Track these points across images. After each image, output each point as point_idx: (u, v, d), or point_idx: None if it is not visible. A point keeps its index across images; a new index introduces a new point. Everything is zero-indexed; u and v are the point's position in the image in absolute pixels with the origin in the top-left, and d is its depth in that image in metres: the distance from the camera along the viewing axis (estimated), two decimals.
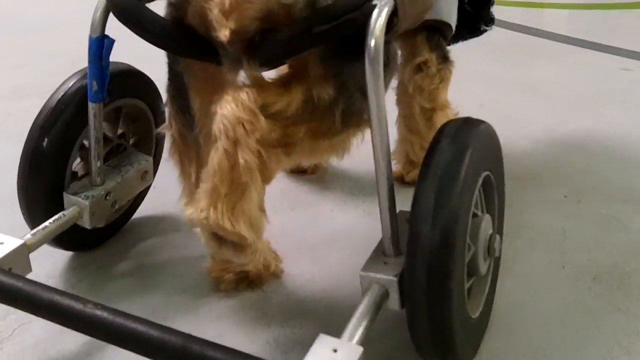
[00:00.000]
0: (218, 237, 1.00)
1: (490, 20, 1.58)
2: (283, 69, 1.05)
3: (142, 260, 1.39)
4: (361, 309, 0.96)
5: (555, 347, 1.16)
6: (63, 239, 1.26)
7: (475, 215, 1.06)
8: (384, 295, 1.01)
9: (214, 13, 0.93)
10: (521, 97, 2.17)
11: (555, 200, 1.59)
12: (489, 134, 1.10)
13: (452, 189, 0.96)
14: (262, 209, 1.03)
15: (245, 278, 1.28)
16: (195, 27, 1.00)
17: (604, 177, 1.69)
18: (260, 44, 0.97)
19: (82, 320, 0.93)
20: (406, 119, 1.57)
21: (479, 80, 2.26)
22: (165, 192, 1.49)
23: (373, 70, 0.93)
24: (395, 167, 1.66)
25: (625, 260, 1.37)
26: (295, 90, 0.98)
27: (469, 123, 1.08)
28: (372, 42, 0.92)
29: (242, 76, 1.03)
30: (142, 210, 1.51)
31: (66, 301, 0.95)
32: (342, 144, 1.07)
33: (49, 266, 1.35)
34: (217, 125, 0.96)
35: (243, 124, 0.94)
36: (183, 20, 1.02)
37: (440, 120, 1.54)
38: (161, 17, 1.04)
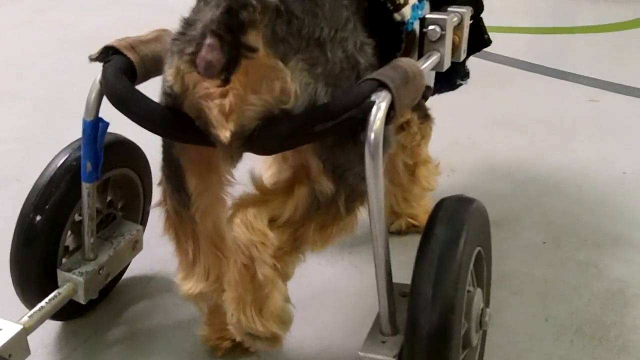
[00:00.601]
0: (252, 335, 1.07)
1: (465, 75, 1.63)
2: (282, 167, 1.08)
3: (134, 326, 1.40)
4: None
5: None
6: (56, 312, 1.27)
7: (468, 291, 1.09)
8: None
9: (214, 113, 0.95)
10: (493, 131, 2.22)
11: (535, 247, 1.63)
12: (480, 211, 1.15)
13: (451, 268, 1.01)
14: (287, 300, 1.10)
15: (241, 344, 1.30)
16: (192, 118, 1.01)
17: (579, 219, 1.74)
18: (259, 136, 0.99)
19: None
20: (389, 173, 1.61)
21: (450, 114, 2.28)
22: (152, 251, 1.51)
23: (373, 163, 0.97)
24: None
25: (604, 311, 1.42)
26: (299, 193, 1.02)
27: (463, 202, 1.12)
28: (372, 137, 0.95)
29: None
30: (130, 270, 1.52)
31: None
32: (351, 224, 1.11)
33: (42, 334, 1.35)
34: (233, 244, 1.02)
35: (256, 246, 1.01)
36: (178, 108, 1.03)
37: (422, 173, 1.60)
38: (155, 103, 1.05)
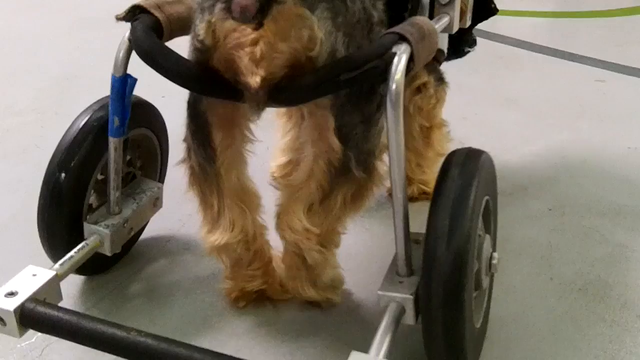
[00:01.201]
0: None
1: (472, 42, 1.68)
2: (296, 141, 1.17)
3: (154, 281, 1.46)
4: (383, 325, 1.08)
5: (548, 356, 1.26)
6: (81, 266, 1.33)
7: (479, 235, 1.17)
8: (401, 312, 1.12)
9: (245, 61, 1.01)
10: (501, 109, 2.27)
11: (540, 214, 1.69)
12: (488, 162, 1.22)
13: (465, 214, 1.08)
14: (336, 267, 1.33)
15: (262, 295, 1.36)
16: (221, 70, 1.07)
17: (584, 189, 1.80)
18: (286, 87, 1.05)
19: (127, 347, 1.01)
20: (405, 137, 1.66)
21: (459, 92, 2.33)
22: (170, 212, 1.57)
23: (394, 113, 1.04)
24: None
25: (607, 272, 1.48)
26: (316, 168, 1.15)
27: (473, 153, 1.19)
28: (394, 86, 1.02)
29: None
30: (149, 230, 1.58)
31: (109, 330, 1.03)
32: (371, 185, 1.20)
33: (66, 288, 1.40)
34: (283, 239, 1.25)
35: (301, 242, 1.20)
36: (207, 63, 1.09)
37: (437, 138, 1.65)
38: (184, 59, 1.11)
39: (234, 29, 1.01)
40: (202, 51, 1.07)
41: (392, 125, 1.04)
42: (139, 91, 1.38)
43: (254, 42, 1.00)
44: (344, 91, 1.07)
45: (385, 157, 1.17)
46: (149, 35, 1.13)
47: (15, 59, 2.70)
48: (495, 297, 1.37)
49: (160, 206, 1.48)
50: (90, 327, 1.05)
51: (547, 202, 1.73)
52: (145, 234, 1.57)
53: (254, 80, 1.01)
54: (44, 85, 2.46)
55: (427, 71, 1.54)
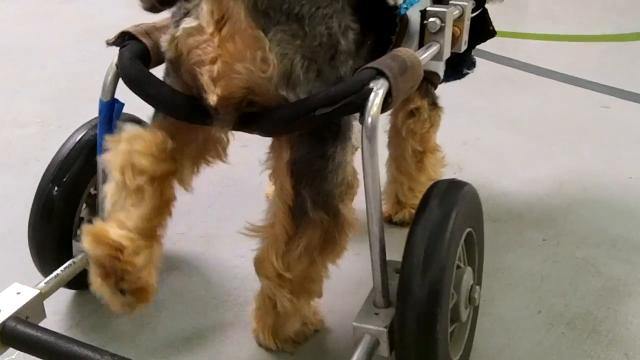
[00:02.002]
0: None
1: (472, 64, 1.68)
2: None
3: None
4: (354, 358, 1.07)
5: None
6: (70, 280, 1.33)
7: (458, 267, 1.16)
8: (375, 344, 1.12)
9: (204, 78, 1.03)
10: (503, 133, 2.26)
11: (534, 243, 1.68)
12: (472, 194, 1.21)
13: (440, 245, 1.07)
14: (305, 324, 1.33)
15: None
16: (189, 83, 1.09)
17: (582, 218, 1.78)
18: (261, 116, 1.06)
19: None
20: (397, 161, 1.66)
21: (462, 114, 2.35)
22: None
23: (370, 147, 1.03)
24: (384, 207, 1.74)
25: (597, 306, 1.46)
26: (277, 208, 1.16)
27: (455, 185, 1.18)
28: (369, 121, 1.02)
29: None
30: None
31: (84, 352, 1.03)
32: (342, 231, 1.19)
33: (53, 303, 1.41)
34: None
35: (273, 287, 1.20)
36: (179, 77, 1.11)
37: (430, 162, 1.64)
38: (167, 86, 1.12)
39: (197, 46, 1.03)
40: (172, 62, 1.11)
41: (368, 158, 1.04)
42: (136, 111, 1.39)
43: (213, 61, 1.02)
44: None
45: (358, 197, 1.17)
46: (134, 63, 1.15)
47: (22, 70, 2.73)
48: (481, 327, 1.37)
49: None
50: (66, 348, 1.06)
51: (542, 232, 1.72)
52: None
53: (212, 98, 1.03)
54: (49, 98, 2.48)
55: (421, 95, 1.54)
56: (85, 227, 1.11)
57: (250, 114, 1.08)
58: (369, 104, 1.02)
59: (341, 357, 1.12)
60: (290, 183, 1.13)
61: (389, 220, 1.73)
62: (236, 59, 1.02)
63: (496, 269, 1.57)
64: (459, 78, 1.69)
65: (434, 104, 1.60)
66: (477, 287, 1.23)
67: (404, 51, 1.11)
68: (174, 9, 1.09)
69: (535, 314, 1.44)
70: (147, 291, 1.15)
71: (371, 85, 1.03)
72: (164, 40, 1.09)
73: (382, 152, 1.64)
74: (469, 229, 1.20)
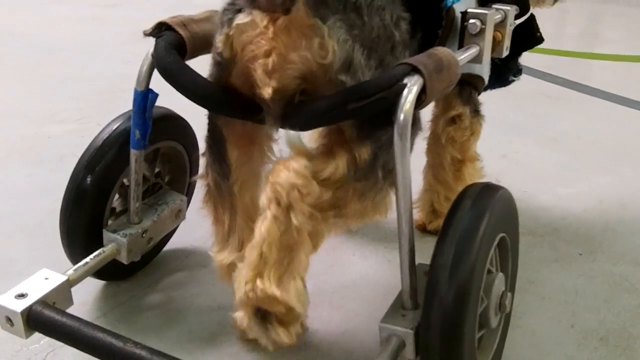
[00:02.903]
0: (262, 315, 1.05)
1: (518, 71, 1.64)
2: (322, 134, 1.11)
3: (169, 294, 1.46)
4: (380, 359, 1.05)
5: None
6: (99, 270, 1.34)
7: (489, 272, 1.14)
8: (401, 346, 1.09)
9: (258, 73, 1.01)
10: (543, 149, 2.23)
11: (569, 258, 1.64)
12: (507, 199, 1.18)
13: (470, 247, 1.05)
14: (304, 284, 1.09)
15: None
16: (239, 85, 1.08)
17: (619, 236, 1.74)
18: (297, 111, 1.05)
19: (121, 357, 1.01)
20: (434, 168, 1.64)
21: (502, 129, 2.32)
22: (195, 227, 1.57)
23: (401, 144, 1.01)
24: (418, 215, 1.72)
25: (633, 323, 1.42)
26: (339, 155, 1.06)
27: (489, 188, 1.16)
28: (402, 118, 1.00)
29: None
30: (172, 243, 1.59)
31: (107, 338, 1.03)
32: (385, 202, 1.14)
33: (82, 294, 1.42)
34: (268, 194, 1.03)
35: (298, 189, 1.01)
36: (226, 80, 1.10)
37: (468, 172, 1.61)
38: (202, 78, 1.11)
39: (250, 41, 1.01)
40: (222, 65, 1.08)
41: (399, 156, 1.02)
42: (170, 104, 1.40)
43: (267, 54, 1.00)
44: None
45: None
46: (169, 53, 1.14)
47: (66, 69, 2.77)
48: (512, 339, 1.34)
49: (183, 218, 1.49)
50: (90, 334, 1.06)
51: (579, 247, 1.68)
52: (167, 246, 1.58)
53: (266, 91, 1.01)
54: (89, 96, 2.51)
55: (463, 102, 1.52)
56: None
57: (290, 110, 1.05)
58: (402, 100, 1.00)
59: (366, 358, 1.10)
60: (370, 148, 1.06)
61: (423, 229, 1.71)
62: (291, 49, 1.00)
63: (529, 282, 1.54)
64: (505, 85, 1.67)
65: (475, 112, 1.57)
66: (509, 294, 1.20)
67: (442, 50, 1.09)
68: (224, 5, 1.08)
69: (567, 328, 1.41)
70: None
71: (405, 81, 1.01)
72: (218, 42, 1.07)
73: (420, 159, 1.65)
74: (502, 234, 1.17)
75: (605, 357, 1.33)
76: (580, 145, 2.27)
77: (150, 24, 1.23)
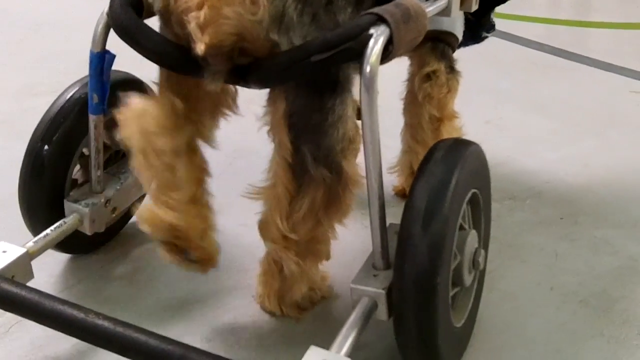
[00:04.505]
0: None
1: (491, 27, 1.60)
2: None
3: (139, 264, 1.43)
4: (350, 321, 1.02)
5: None
6: (63, 243, 1.30)
7: (462, 227, 1.11)
8: (373, 307, 1.06)
9: (191, 26, 0.97)
10: (528, 115, 2.19)
11: (551, 221, 1.61)
12: (478, 154, 1.15)
13: (442, 200, 1.02)
14: (313, 287, 1.28)
15: (173, 234, 1.19)
16: (179, 34, 1.04)
17: (602, 199, 1.71)
18: (254, 67, 1.01)
19: (84, 329, 0.98)
20: (413, 128, 1.60)
21: (487, 96, 2.27)
22: None
23: (368, 97, 0.98)
24: (398, 179, 1.69)
25: (613, 285, 1.39)
26: (277, 169, 1.12)
27: (459, 143, 1.13)
28: (368, 69, 0.97)
29: None
30: None
31: (68, 310, 1.00)
32: (344, 188, 1.13)
33: (50, 267, 1.39)
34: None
35: (279, 250, 1.15)
36: (169, 34, 1.06)
37: (447, 130, 1.57)
38: (160, 36, 1.07)
39: None
40: (161, 13, 1.05)
41: (366, 110, 0.99)
42: (136, 70, 1.36)
43: (199, 6, 0.96)
44: None
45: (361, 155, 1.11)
46: (125, 10, 1.09)
47: (48, 43, 2.72)
48: (490, 302, 1.31)
49: None
50: (51, 307, 1.03)
51: (560, 210, 1.65)
52: None
53: (199, 47, 0.97)
54: (69, 70, 2.45)
55: (438, 58, 1.47)
56: (138, 213, 1.14)
57: (243, 66, 1.02)
58: (368, 51, 0.96)
59: (339, 321, 1.07)
60: (289, 137, 1.08)
61: (404, 195, 1.67)
62: (224, 2, 0.96)
63: (509, 245, 1.50)
64: (478, 42, 1.62)
65: (451, 68, 1.52)
66: (482, 251, 1.17)
67: (409, 0, 1.05)
68: None
69: (547, 291, 1.38)
70: (212, 257, 1.18)
71: (371, 31, 0.97)
72: None
73: (396, 125, 1.61)
74: (474, 190, 1.14)
75: (584, 319, 1.30)
76: (566, 111, 2.22)
77: None
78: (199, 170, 1.16)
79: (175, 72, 1.10)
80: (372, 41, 0.97)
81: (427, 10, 1.11)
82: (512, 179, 1.78)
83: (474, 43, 1.59)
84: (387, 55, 0.99)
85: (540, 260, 1.46)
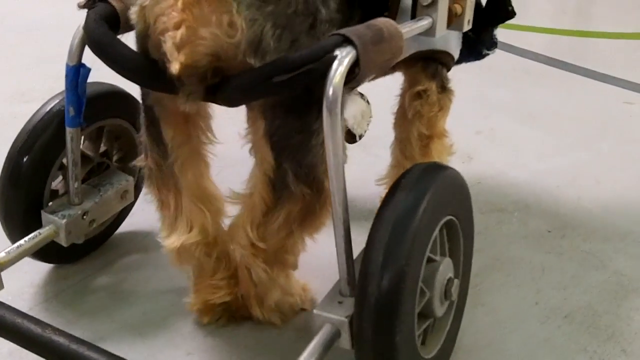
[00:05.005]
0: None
1: (492, 44, 1.59)
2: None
3: (123, 276, 1.42)
4: (310, 347, 0.99)
5: None
6: (43, 252, 1.30)
7: (431, 260, 1.07)
8: (336, 335, 1.03)
9: (167, 45, 0.97)
10: (520, 125, 2.18)
11: (538, 235, 1.59)
12: (453, 179, 1.12)
13: (406, 233, 0.98)
14: (288, 293, 1.27)
15: (227, 310, 1.29)
16: (155, 58, 1.03)
17: (591, 212, 1.70)
18: (220, 86, 1.00)
19: (39, 345, 0.97)
20: (402, 143, 1.58)
21: (479, 105, 2.27)
22: (152, 207, 1.52)
23: (331, 120, 0.95)
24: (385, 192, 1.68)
25: (599, 300, 1.38)
26: (257, 181, 1.12)
27: (433, 168, 1.10)
28: (331, 91, 0.94)
29: None
30: (132, 223, 1.54)
31: (26, 324, 0.98)
32: (320, 205, 1.13)
33: (30, 276, 1.39)
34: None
35: (248, 258, 1.16)
36: (145, 54, 1.05)
37: (436, 148, 1.56)
38: (131, 50, 1.07)
39: (162, 13, 0.97)
40: (139, 37, 1.05)
41: (329, 132, 0.96)
42: (120, 81, 1.35)
43: (177, 26, 0.96)
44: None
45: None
46: (99, 25, 1.09)
47: (41, 48, 2.71)
48: (473, 317, 1.30)
49: (131, 199, 1.44)
50: (11, 320, 1.01)
51: (549, 223, 1.64)
52: (125, 227, 1.53)
53: (174, 66, 0.96)
54: (60, 75, 2.44)
55: (429, 77, 1.45)
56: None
57: (215, 84, 1.01)
58: (332, 72, 0.94)
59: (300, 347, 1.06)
60: (272, 155, 1.08)
61: None
62: (201, 24, 0.96)
63: (496, 259, 1.49)
64: (478, 59, 1.61)
65: (443, 87, 1.51)
66: (456, 280, 1.13)
67: (383, 21, 1.03)
68: None
69: (532, 306, 1.36)
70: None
71: (336, 52, 0.95)
72: (132, 13, 1.03)
73: (387, 135, 1.60)
74: (448, 217, 1.10)
75: (568, 335, 1.29)
76: (557, 122, 2.21)
77: None
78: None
79: (148, 88, 1.10)
80: (335, 63, 0.94)
81: (404, 30, 1.07)
82: (500, 192, 1.77)
83: (474, 59, 1.57)
84: (353, 77, 0.96)
85: (526, 274, 1.45)
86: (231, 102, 1.03)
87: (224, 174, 1.79)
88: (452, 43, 1.44)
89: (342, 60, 0.94)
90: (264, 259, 1.15)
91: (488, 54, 1.60)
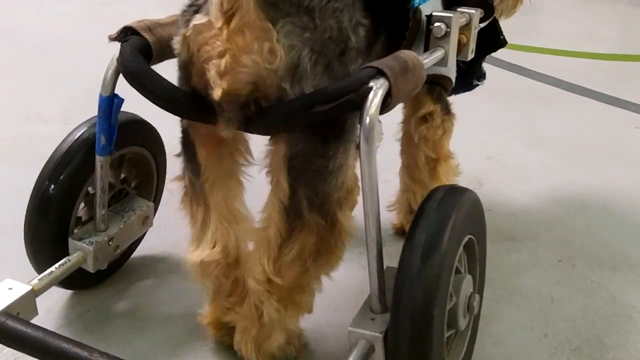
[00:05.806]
0: None
1: (482, 75, 1.63)
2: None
3: (137, 302, 1.44)
4: None
5: None
6: (65, 279, 1.32)
7: (458, 271, 1.13)
8: (370, 351, 1.09)
9: (211, 73, 1.01)
10: (530, 150, 2.20)
11: (548, 264, 1.61)
12: (473, 201, 1.18)
13: (438, 246, 1.05)
14: (290, 341, 1.27)
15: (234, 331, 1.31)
16: (199, 88, 1.07)
17: (601, 240, 1.71)
18: (261, 115, 1.04)
19: None
20: (410, 168, 1.62)
21: (488, 130, 2.29)
22: (167, 231, 1.56)
23: (367, 147, 1.01)
24: (397, 217, 1.70)
25: (607, 333, 1.39)
26: (272, 208, 1.14)
27: (455, 190, 1.16)
28: (367, 120, 1.00)
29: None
30: (144, 248, 1.57)
31: (73, 349, 1.02)
32: (337, 235, 1.15)
33: (49, 302, 1.41)
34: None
35: (262, 294, 1.16)
36: (188, 82, 1.09)
37: (443, 170, 1.60)
38: (166, 81, 1.10)
39: (206, 42, 1.01)
40: (182, 67, 1.08)
41: (366, 159, 1.02)
42: (138, 110, 1.38)
43: (221, 55, 1.00)
44: None
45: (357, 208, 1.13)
46: (135, 57, 1.13)
47: (55, 67, 2.75)
48: (482, 348, 1.32)
49: (150, 225, 1.47)
50: (55, 345, 1.04)
51: (558, 253, 1.66)
52: (138, 253, 1.56)
53: (216, 92, 1.01)
54: (76, 96, 2.49)
55: (434, 100, 1.50)
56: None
57: (252, 115, 1.05)
58: (368, 103, 1.00)
59: None
60: (287, 179, 1.10)
61: (403, 232, 1.69)
62: (244, 52, 1.00)
63: (505, 288, 1.51)
64: (469, 90, 1.65)
65: (446, 109, 1.55)
66: (477, 295, 1.19)
67: (407, 53, 1.09)
68: (184, 6, 1.08)
69: (540, 337, 1.38)
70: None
71: (371, 84, 1.01)
72: (175, 42, 1.07)
73: (396, 161, 1.63)
74: (469, 236, 1.17)
75: None
76: (568, 147, 2.23)
77: None
78: None
79: (184, 118, 1.13)
80: (372, 94, 1.00)
81: (425, 61, 1.14)
82: (511, 219, 1.79)
83: (465, 90, 1.61)
84: (385, 106, 1.02)
85: (536, 305, 1.47)
86: (269, 131, 1.08)
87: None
88: (452, 69, 1.48)
89: (377, 91, 1.01)
90: (278, 298, 1.17)
91: (478, 85, 1.65)
